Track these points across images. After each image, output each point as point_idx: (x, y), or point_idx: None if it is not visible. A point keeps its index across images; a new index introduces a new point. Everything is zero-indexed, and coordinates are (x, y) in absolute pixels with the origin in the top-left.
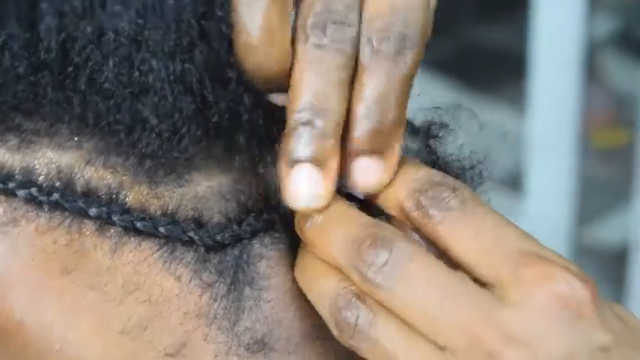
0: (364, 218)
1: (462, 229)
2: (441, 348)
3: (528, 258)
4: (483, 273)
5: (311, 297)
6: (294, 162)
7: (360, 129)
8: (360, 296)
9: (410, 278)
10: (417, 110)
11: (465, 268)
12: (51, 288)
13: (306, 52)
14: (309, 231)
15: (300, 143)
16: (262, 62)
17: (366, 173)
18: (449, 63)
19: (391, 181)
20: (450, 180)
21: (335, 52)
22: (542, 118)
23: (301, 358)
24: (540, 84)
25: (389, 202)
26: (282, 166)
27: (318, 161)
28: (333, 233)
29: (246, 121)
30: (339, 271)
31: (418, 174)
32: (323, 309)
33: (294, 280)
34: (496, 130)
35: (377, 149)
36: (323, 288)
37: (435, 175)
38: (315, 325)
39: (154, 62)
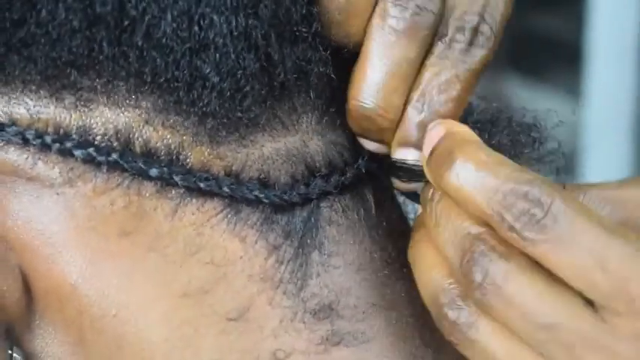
0: (470, 223)
1: (561, 253)
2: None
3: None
4: (587, 292)
5: (419, 283)
6: None
7: (409, 119)
8: (464, 297)
9: (511, 295)
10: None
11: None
12: (108, 251)
13: (379, 32)
14: (427, 217)
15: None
16: (341, 32)
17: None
18: (506, 51)
19: (471, 188)
20: (538, 189)
21: (408, 41)
22: (599, 106)
23: (369, 327)
24: (597, 72)
25: (468, 205)
26: None
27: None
28: (447, 229)
29: (315, 80)
30: (448, 266)
31: (501, 179)
32: (427, 298)
33: (364, 251)
34: (552, 119)
35: (420, 144)
36: (430, 279)
37: (522, 175)
38: (385, 295)
39: (214, 17)
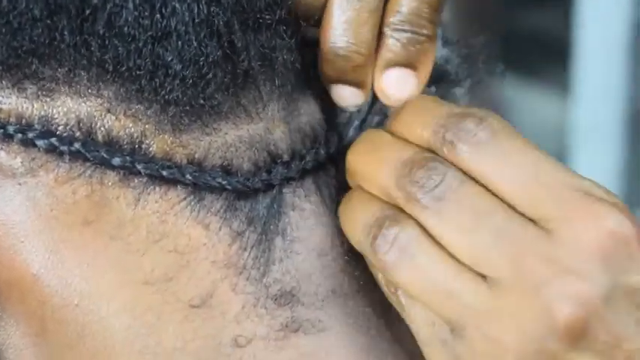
0: (414, 145)
1: (497, 163)
2: (483, 276)
3: (576, 196)
4: (526, 209)
5: (351, 228)
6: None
7: (396, 39)
8: (404, 214)
9: (459, 202)
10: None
11: (506, 204)
12: (70, 240)
13: None
14: (357, 160)
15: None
16: None
17: (400, 84)
18: (494, 49)
19: (413, 118)
20: (475, 110)
21: None
22: (587, 104)
23: (327, 316)
24: (585, 69)
25: (415, 141)
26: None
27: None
28: (383, 158)
29: (280, 68)
30: (383, 200)
31: (441, 109)
32: (362, 234)
33: (326, 236)
34: (540, 116)
35: (411, 61)
36: (367, 215)
37: (458, 107)
38: (343, 283)
39: (176, 4)
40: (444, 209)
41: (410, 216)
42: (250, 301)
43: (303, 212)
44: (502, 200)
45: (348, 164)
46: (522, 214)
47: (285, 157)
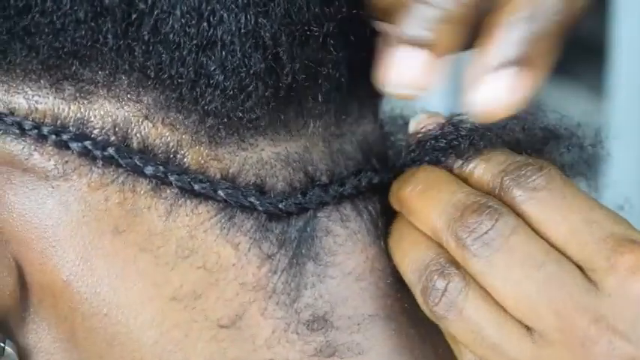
0: (469, 187)
1: (550, 209)
2: (529, 329)
3: (623, 244)
4: (575, 256)
5: (402, 265)
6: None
7: (513, 34)
8: (454, 264)
9: (510, 250)
10: None
11: (557, 249)
12: (101, 248)
13: None
14: (409, 195)
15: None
16: None
17: (508, 87)
18: None
19: (478, 165)
20: (537, 161)
21: None
22: (623, 104)
23: (364, 338)
24: (621, 70)
25: (477, 186)
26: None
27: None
28: (436, 198)
29: (325, 84)
30: (436, 242)
31: (505, 157)
32: (412, 275)
33: (364, 260)
34: (575, 116)
35: (527, 60)
36: (417, 256)
37: (521, 157)
38: (381, 306)
39: (224, 14)
40: (493, 258)
41: (458, 264)
42: (281, 326)
43: (337, 237)
44: (553, 245)
45: (399, 193)
46: (571, 260)
47: (324, 180)
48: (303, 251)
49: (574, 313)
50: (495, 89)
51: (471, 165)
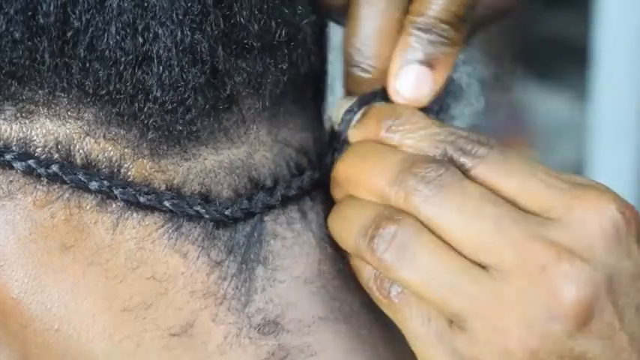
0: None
1: (497, 170)
2: (484, 267)
3: (574, 186)
4: (527, 203)
5: (344, 231)
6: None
7: (418, 38)
8: (401, 211)
9: (463, 191)
10: None
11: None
12: (49, 265)
13: None
14: (346, 169)
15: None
16: None
17: (418, 83)
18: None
19: (414, 133)
20: (473, 134)
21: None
22: (606, 107)
23: (316, 341)
24: (604, 73)
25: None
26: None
27: None
28: (377, 160)
29: (267, 92)
30: (382, 204)
31: (442, 128)
32: (357, 235)
33: (312, 263)
34: (558, 119)
35: (431, 61)
36: (362, 216)
37: (458, 128)
38: (330, 309)
39: (159, 30)
40: (445, 198)
41: (407, 213)
42: (233, 331)
43: (285, 240)
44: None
45: (337, 174)
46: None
47: (268, 183)
48: (252, 256)
49: (531, 243)
50: (403, 85)
51: (408, 137)
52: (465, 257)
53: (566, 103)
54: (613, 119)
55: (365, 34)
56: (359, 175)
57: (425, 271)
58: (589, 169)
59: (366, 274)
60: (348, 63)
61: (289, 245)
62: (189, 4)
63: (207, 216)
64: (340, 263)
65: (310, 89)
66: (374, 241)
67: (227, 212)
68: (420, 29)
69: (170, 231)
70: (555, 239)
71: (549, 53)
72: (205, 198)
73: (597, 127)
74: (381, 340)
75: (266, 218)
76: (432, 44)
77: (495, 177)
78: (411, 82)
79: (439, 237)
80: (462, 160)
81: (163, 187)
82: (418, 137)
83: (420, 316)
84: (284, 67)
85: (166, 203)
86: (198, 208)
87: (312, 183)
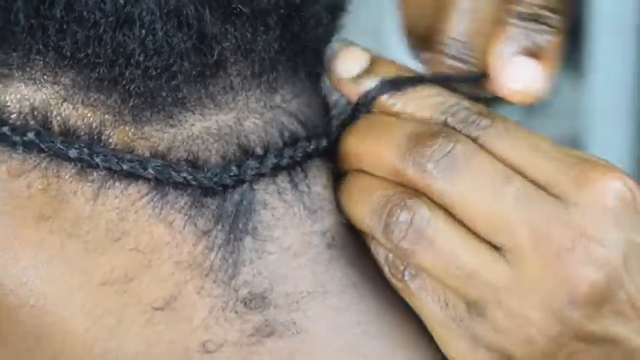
0: (415, 121)
1: (501, 142)
2: (499, 248)
3: (580, 161)
4: (535, 177)
5: (357, 212)
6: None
7: (521, 28)
8: (417, 196)
9: (475, 169)
10: None
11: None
12: (25, 237)
13: None
14: (355, 144)
15: None
16: None
17: (530, 76)
18: None
19: (417, 100)
20: (476, 105)
21: None
22: (601, 86)
23: (304, 316)
24: (599, 51)
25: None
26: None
27: None
28: (385, 135)
29: (257, 58)
30: (393, 182)
31: (442, 98)
32: (371, 219)
33: (302, 235)
34: (553, 98)
35: (537, 52)
36: (374, 198)
37: (461, 98)
38: (324, 282)
39: None
40: (458, 177)
41: (419, 193)
42: (218, 304)
43: (275, 210)
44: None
45: (346, 147)
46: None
47: (258, 151)
48: (240, 226)
49: (546, 225)
50: (512, 78)
51: (410, 105)
52: (480, 239)
53: (562, 80)
54: (608, 96)
55: (466, 26)
56: (368, 149)
57: (443, 258)
58: (584, 146)
59: (380, 255)
60: (446, 54)
61: (279, 216)
62: None
63: (194, 183)
64: (331, 235)
65: (310, 56)
66: (390, 229)
67: (215, 179)
68: (524, 18)
69: (155, 200)
70: (569, 221)
71: None
72: (193, 164)
73: (593, 104)
74: (369, 315)
75: (256, 187)
76: (537, 33)
77: (499, 149)
78: (522, 75)
79: (452, 214)
80: (465, 131)
81: (147, 154)
82: (422, 105)
83: (438, 301)
84: (275, 33)
85: (151, 170)
86: (185, 174)
87: (305, 153)
